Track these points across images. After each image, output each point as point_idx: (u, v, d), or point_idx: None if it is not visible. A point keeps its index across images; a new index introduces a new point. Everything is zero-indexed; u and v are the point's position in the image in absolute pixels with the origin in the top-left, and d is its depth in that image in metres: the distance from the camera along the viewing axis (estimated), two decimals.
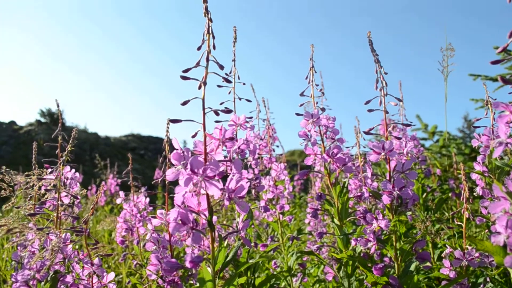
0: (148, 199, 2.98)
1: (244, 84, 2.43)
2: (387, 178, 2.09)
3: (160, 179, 2.06)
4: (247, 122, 2.26)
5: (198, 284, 2.18)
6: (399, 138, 2.12)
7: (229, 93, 2.50)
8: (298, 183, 8.15)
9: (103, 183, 6.23)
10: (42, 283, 1.91)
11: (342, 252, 2.33)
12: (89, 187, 7.98)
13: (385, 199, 1.99)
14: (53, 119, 30.15)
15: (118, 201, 3.10)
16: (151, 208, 3.04)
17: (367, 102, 2.13)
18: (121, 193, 3.09)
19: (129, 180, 3.10)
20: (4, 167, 2.15)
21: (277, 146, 3.48)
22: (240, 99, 2.49)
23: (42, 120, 29.87)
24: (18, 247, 2.19)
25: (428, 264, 2.14)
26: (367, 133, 2.11)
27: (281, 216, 3.15)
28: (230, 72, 2.51)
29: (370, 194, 2.18)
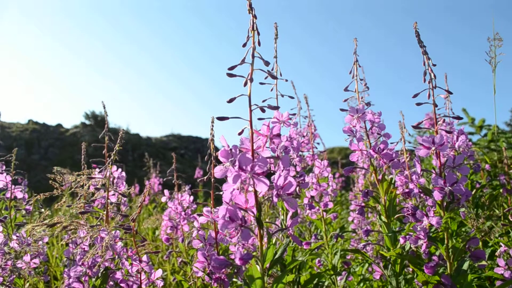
0: (192, 197, 3.01)
1: (286, 80, 2.41)
2: (438, 173, 2.01)
3: (206, 178, 2.07)
4: (290, 119, 2.24)
5: (241, 282, 2.18)
6: (450, 132, 2.04)
7: (271, 90, 2.48)
8: (339, 181, 8.04)
9: (147, 182, 6.37)
10: (93, 279, 1.97)
11: (390, 250, 2.27)
12: (132, 187, 8.17)
13: (437, 195, 1.91)
14: (96, 121, 31.12)
15: (163, 199, 3.15)
16: (195, 206, 3.07)
17: (415, 96, 2.06)
18: (166, 192, 3.14)
19: (173, 178, 3.15)
20: (55, 167, 2.23)
21: (318, 143, 3.44)
22: (282, 96, 2.47)
23: (87, 122, 30.90)
24: (70, 245, 2.26)
25: (484, 262, 2.05)
26: (415, 127, 2.04)
27: (324, 213, 3.11)
28: (272, 69, 2.50)
29: (420, 191, 2.11)
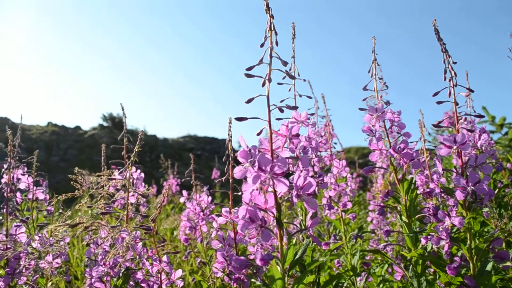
0: (210, 198, 3.02)
1: (304, 80, 2.40)
2: (459, 173, 1.98)
3: (224, 178, 2.08)
4: (308, 119, 2.23)
5: (260, 283, 2.18)
6: (471, 131, 2.00)
7: (289, 90, 2.48)
8: (357, 181, 7.98)
9: (165, 183, 6.43)
10: (115, 279, 1.99)
11: (411, 251, 2.24)
12: (150, 187, 8.22)
13: (459, 195, 1.88)
14: (114, 123, 31.50)
15: (181, 200, 3.17)
16: (213, 206, 3.08)
17: (436, 94, 2.03)
18: (184, 193, 3.16)
19: (191, 179, 3.16)
20: (76, 168, 2.26)
21: (335, 143, 3.42)
22: (300, 96, 2.46)
23: (104, 124, 31.31)
24: (91, 245, 2.29)
25: (508, 263, 2.00)
26: (436, 126, 2.01)
27: (343, 214, 3.09)
28: (290, 69, 2.49)
29: (441, 190, 2.07)
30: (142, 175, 2.84)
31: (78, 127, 28.54)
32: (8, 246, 2.33)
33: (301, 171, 1.42)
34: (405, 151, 2.18)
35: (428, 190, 2.32)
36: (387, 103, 2.31)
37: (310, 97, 2.38)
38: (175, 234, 5.94)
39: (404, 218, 2.28)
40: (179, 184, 7.58)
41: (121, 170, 2.24)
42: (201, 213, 2.99)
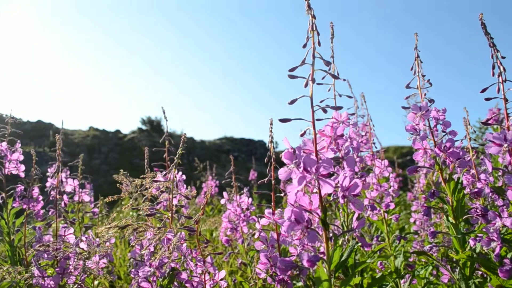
0: (250, 199, 3.03)
1: (344, 80, 2.37)
2: (510, 171, 1.90)
3: (266, 179, 2.08)
4: (348, 119, 2.20)
5: (302, 283, 2.17)
6: None
7: (329, 90, 2.46)
8: (396, 181, 7.81)
9: (203, 184, 6.49)
10: (161, 279, 2.02)
11: (459, 253, 2.17)
12: (191, 189, 8.33)
13: (510, 194, 1.81)
14: (152, 126, 32.17)
15: (222, 201, 3.20)
16: (253, 208, 3.09)
17: (483, 90, 1.96)
18: (225, 194, 3.18)
19: (230, 181, 3.19)
20: (121, 170, 2.32)
21: (373, 143, 3.36)
22: (340, 95, 2.43)
23: (143, 127, 32.01)
24: (136, 246, 2.34)
25: None
26: (485, 123, 1.95)
27: (385, 214, 3.03)
28: (329, 69, 2.47)
29: (491, 190, 2.00)
30: (184, 177, 2.89)
31: (118, 131, 29.32)
32: (58, 247, 2.42)
33: (346, 172, 1.40)
34: (451, 150, 2.12)
35: (476, 190, 2.24)
36: (431, 100, 2.25)
37: (350, 97, 2.35)
38: (214, 235, 6.00)
39: (451, 219, 2.22)
40: (217, 186, 7.66)
41: (164, 172, 2.28)
42: (242, 214, 3.01)
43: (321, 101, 2.38)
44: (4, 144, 3.30)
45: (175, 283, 2.10)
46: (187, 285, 2.07)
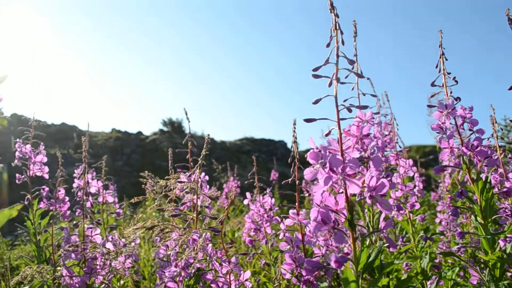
0: (273, 200, 3.03)
1: (368, 79, 2.35)
2: None
3: (290, 180, 2.08)
4: (373, 118, 2.18)
5: (327, 284, 2.15)
6: None
7: (352, 89, 2.44)
8: (420, 180, 7.69)
9: (225, 185, 6.51)
10: (186, 279, 2.04)
11: (488, 254, 2.13)
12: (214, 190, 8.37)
13: None
14: (173, 127, 32.45)
15: (245, 202, 3.20)
16: (276, 208, 3.09)
17: None
18: (248, 194, 3.19)
19: (252, 181, 3.19)
20: (146, 172, 2.34)
21: (396, 142, 3.32)
22: (364, 94, 2.41)
23: (164, 129, 32.33)
24: (162, 246, 2.36)
25: None
26: None
27: (411, 215, 2.99)
28: (352, 68, 2.45)
29: None
30: (207, 177, 2.90)
31: (140, 133, 29.66)
32: (85, 247, 2.47)
33: (373, 172, 1.38)
34: (479, 148, 2.08)
35: (505, 189, 2.19)
36: (458, 98, 2.21)
37: (375, 95, 2.33)
38: (236, 235, 6.02)
39: (479, 219, 2.17)
40: (238, 187, 7.68)
41: (189, 173, 2.30)
42: (265, 215, 3.01)
43: (344, 100, 2.35)
44: (28, 146, 3.38)
45: (200, 283, 2.12)
46: (212, 285, 2.08)
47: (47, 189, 3.51)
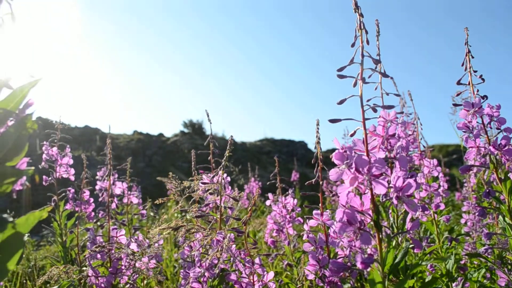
0: (296, 201, 3.02)
1: (392, 78, 2.33)
2: None
3: (314, 181, 2.07)
4: (396, 118, 2.15)
5: (350, 285, 2.14)
6: None
7: (375, 89, 2.42)
8: (444, 180, 7.57)
9: (246, 186, 6.52)
10: (211, 279, 2.05)
11: None
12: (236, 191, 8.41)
13: None
14: (194, 129, 32.65)
15: (267, 203, 3.21)
16: (299, 209, 3.08)
17: None
18: (270, 195, 3.19)
19: (276, 182, 3.19)
20: (170, 173, 2.37)
21: (419, 142, 3.28)
22: (387, 94, 2.39)
23: (185, 130, 32.54)
24: (186, 247, 2.38)
25: None
26: None
27: (435, 215, 2.94)
28: (376, 67, 2.43)
29: None
30: (229, 179, 2.91)
31: (161, 134, 29.91)
32: (110, 248, 2.51)
33: (399, 172, 1.37)
34: (506, 147, 2.04)
35: None
36: (485, 97, 2.17)
37: (398, 95, 2.30)
38: (257, 236, 6.02)
39: (507, 219, 2.13)
40: (260, 187, 7.68)
41: (210, 175, 2.31)
42: (288, 216, 3.00)
43: (368, 100, 2.34)
44: (55, 149, 3.45)
45: (224, 284, 2.13)
46: (236, 286, 2.09)
47: (72, 190, 3.58)
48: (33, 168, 1.19)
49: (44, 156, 3.35)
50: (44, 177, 3.39)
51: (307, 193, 2.09)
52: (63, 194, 3.55)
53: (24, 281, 4.24)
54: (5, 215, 1.11)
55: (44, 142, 3.39)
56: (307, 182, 2.10)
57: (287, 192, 3.14)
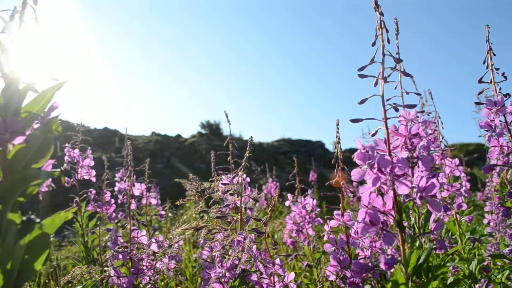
0: (315, 201, 3.01)
1: (412, 77, 2.30)
2: None
3: (334, 181, 2.06)
4: (417, 117, 2.13)
5: (369, 287, 2.12)
6: None
7: (395, 88, 2.39)
8: (466, 180, 7.45)
9: (264, 187, 6.52)
10: (232, 280, 2.06)
11: None
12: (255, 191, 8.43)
13: None
14: (211, 130, 32.79)
15: (287, 203, 3.20)
16: (318, 209, 3.07)
17: None
18: (289, 196, 3.19)
19: (295, 182, 3.18)
20: (190, 174, 2.38)
21: (440, 141, 3.23)
22: (407, 93, 2.36)
23: (203, 131, 32.70)
24: (206, 247, 2.40)
25: None
26: None
27: (457, 216, 2.90)
28: (395, 66, 2.41)
29: None
30: (248, 179, 2.92)
31: (179, 135, 30.11)
32: (132, 248, 2.53)
33: (422, 172, 1.36)
34: None
35: None
36: (507, 95, 2.13)
37: (419, 94, 2.27)
38: (276, 237, 6.02)
39: None
40: (277, 188, 7.68)
41: (230, 175, 2.32)
42: (307, 216, 3.00)
43: (388, 100, 2.32)
44: (77, 151, 3.51)
45: (244, 285, 2.13)
46: (257, 286, 2.09)
47: (94, 191, 3.63)
48: (59, 170, 1.22)
49: (66, 158, 3.41)
50: (66, 178, 3.45)
51: (327, 194, 2.08)
52: (84, 195, 3.60)
53: (47, 281, 4.31)
54: (32, 216, 1.13)
55: (66, 144, 3.45)
56: (328, 183, 2.09)
57: (306, 193, 3.14)
